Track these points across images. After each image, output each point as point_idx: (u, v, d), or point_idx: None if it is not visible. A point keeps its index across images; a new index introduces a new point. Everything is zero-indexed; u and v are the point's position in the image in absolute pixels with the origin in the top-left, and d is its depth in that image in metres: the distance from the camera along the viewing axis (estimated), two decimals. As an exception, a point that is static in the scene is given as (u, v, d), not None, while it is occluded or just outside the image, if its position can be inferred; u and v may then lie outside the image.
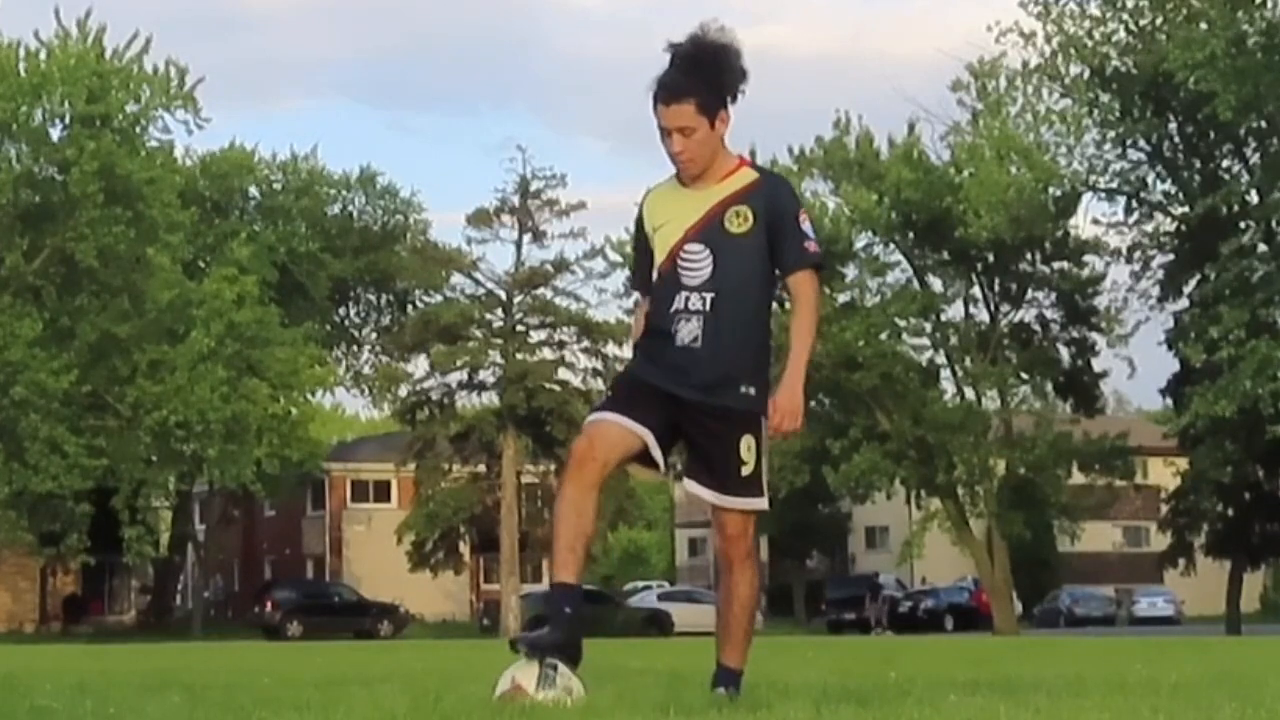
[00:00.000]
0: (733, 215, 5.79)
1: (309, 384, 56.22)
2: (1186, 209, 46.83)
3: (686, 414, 5.80)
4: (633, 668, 10.47)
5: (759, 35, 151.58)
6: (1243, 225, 44.77)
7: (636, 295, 6.17)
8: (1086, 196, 49.00)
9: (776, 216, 5.80)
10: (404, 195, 66.37)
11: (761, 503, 5.83)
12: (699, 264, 5.79)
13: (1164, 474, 55.29)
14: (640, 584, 74.91)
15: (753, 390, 5.78)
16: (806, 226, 5.84)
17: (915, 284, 52.63)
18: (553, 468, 56.65)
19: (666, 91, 5.75)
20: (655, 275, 5.89)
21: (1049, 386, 53.71)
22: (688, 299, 5.78)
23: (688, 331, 5.78)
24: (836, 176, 52.13)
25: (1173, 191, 47.94)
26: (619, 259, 53.75)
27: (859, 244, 52.19)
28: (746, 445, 5.77)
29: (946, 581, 66.10)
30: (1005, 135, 46.19)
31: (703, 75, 5.74)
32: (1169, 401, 50.65)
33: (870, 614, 61.13)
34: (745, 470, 5.78)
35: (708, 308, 5.76)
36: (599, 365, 55.86)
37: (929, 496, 53.97)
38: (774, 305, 6.08)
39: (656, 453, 5.78)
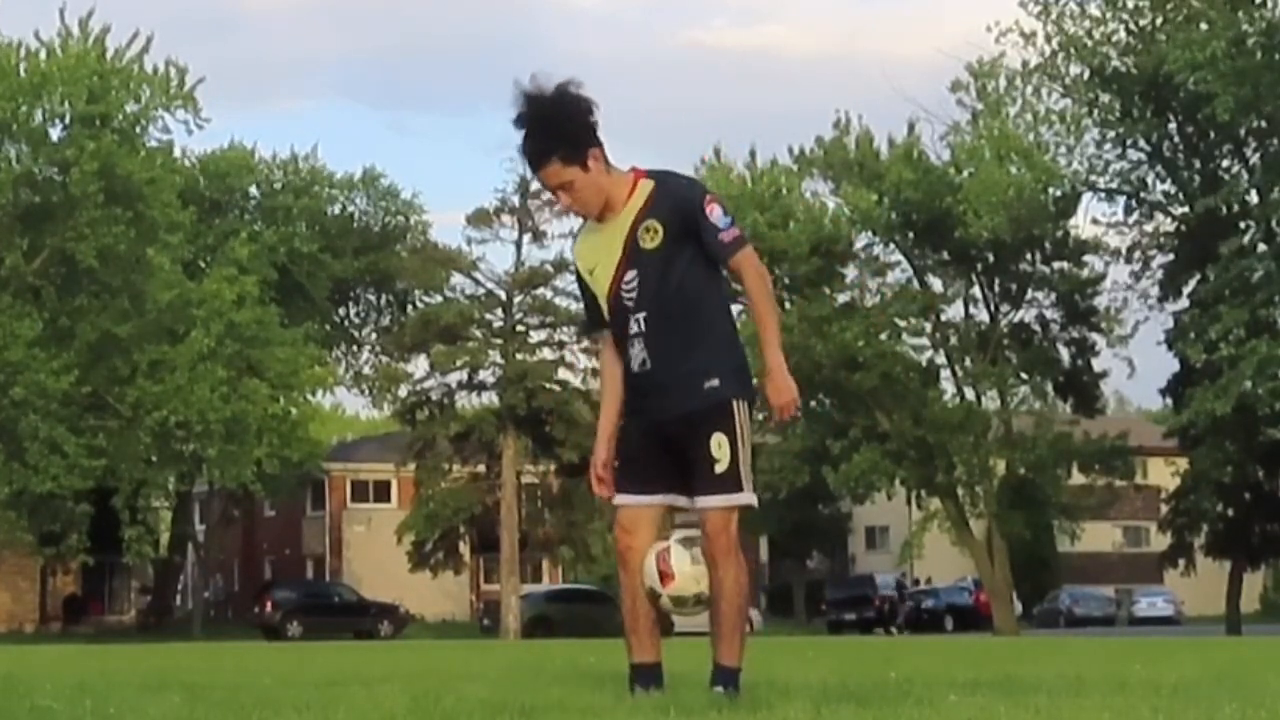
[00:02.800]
0: (643, 232, 5.90)
1: (309, 384, 56.18)
2: (1186, 209, 46.85)
3: (671, 433, 5.91)
4: (633, 668, 10.44)
5: (757, 35, 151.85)
6: (1243, 225, 44.79)
7: (598, 335, 6.33)
8: (1086, 196, 49.08)
9: (684, 219, 5.88)
10: (404, 196, 66.40)
11: (740, 498, 5.86)
12: (632, 289, 5.92)
13: (1164, 474, 55.30)
14: (640, 584, 74.83)
15: (717, 381, 5.86)
16: (715, 216, 5.89)
17: (915, 284, 52.60)
18: (552, 468, 56.63)
19: (531, 160, 5.94)
20: (609, 312, 6.01)
21: (1049, 386, 53.68)
22: (628, 325, 5.94)
23: (635, 356, 5.95)
24: (836, 176, 52.10)
25: (1173, 191, 47.97)
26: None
27: (859, 244, 52.22)
28: (717, 443, 5.83)
29: (946, 581, 66.11)
30: (1005, 135, 46.19)
31: (551, 132, 5.85)
32: (1169, 401, 50.66)
33: (897, 615, 60.93)
34: (719, 467, 5.83)
35: (643, 328, 5.90)
36: (599, 365, 55.80)
37: (929, 496, 53.95)
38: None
39: (682, 501, 5.98)
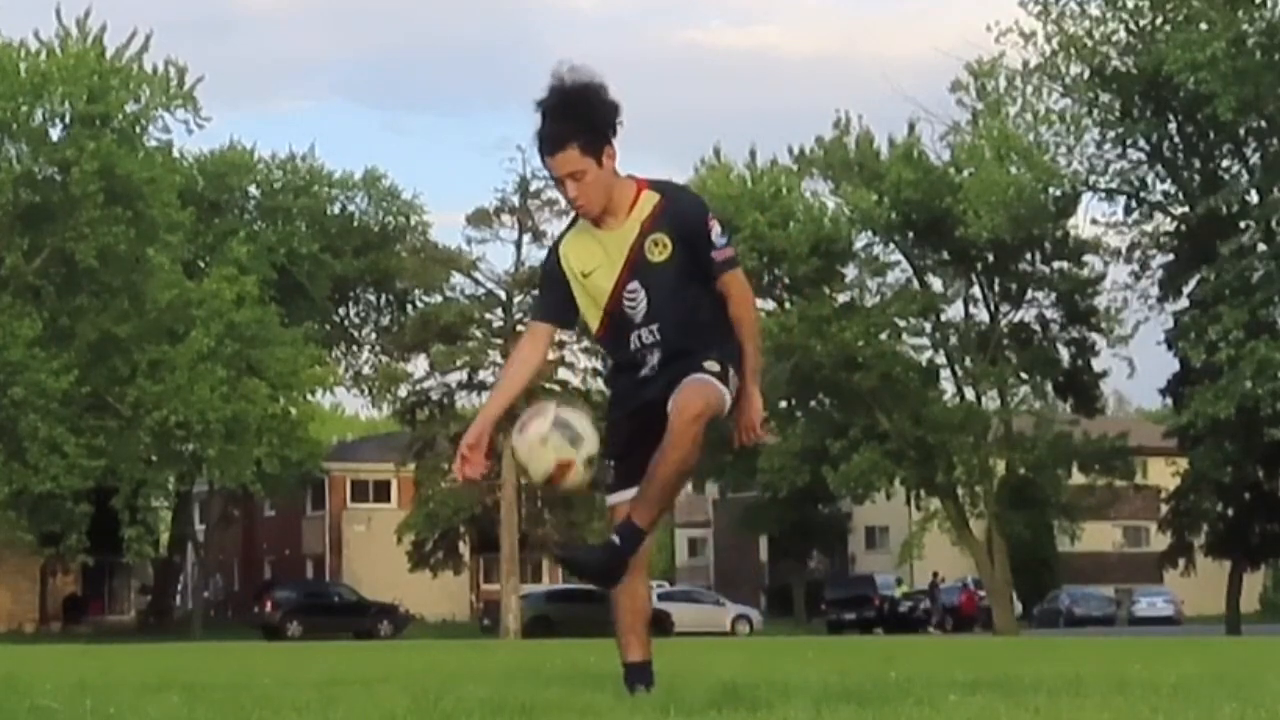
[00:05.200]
0: (651, 245, 5.92)
1: (309, 384, 56.17)
2: (1186, 209, 46.84)
3: (660, 414, 5.82)
4: (633, 668, 10.43)
5: (755, 35, 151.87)
6: (1243, 225, 44.79)
7: (533, 322, 6.23)
8: (1086, 196, 49.06)
9: (689, 235, 5.93)
10: (404, 196, 66.37)
11: (718, 388, 5.78)
12: (638, 300, 5.93)
13: (1164, 474, 55.27)
14: (640, 584, 74.75)
15: (717, 365, 5.86)
16: (715, 233, 5.95)
17: (915, 284, 52.62)
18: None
19: (549, 143, 5.87)
20: (603, 317, 6.00)
21: (1049, 386, 53.69)
22: (640, 335, 5.96)
23: (648, 363, 5.97)
24: (836, 176, 52.13)
25: (1173, 191, 47.96)
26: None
27: (859, 244, 52.25)
28: (711, 361, 5.83)
29: (947, 582, 66.04)
30: (1005, 135, 46.17)
31: (576, 118, 5.84)
32: (1169, 401, 50.67)
33: (932, 615, 60.73)
34: (710, 366, 5.82)
35: (657, 337, 5.93)
36: (599, 365, 55.88)
37: (929, 496, 53.96)
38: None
39: None
